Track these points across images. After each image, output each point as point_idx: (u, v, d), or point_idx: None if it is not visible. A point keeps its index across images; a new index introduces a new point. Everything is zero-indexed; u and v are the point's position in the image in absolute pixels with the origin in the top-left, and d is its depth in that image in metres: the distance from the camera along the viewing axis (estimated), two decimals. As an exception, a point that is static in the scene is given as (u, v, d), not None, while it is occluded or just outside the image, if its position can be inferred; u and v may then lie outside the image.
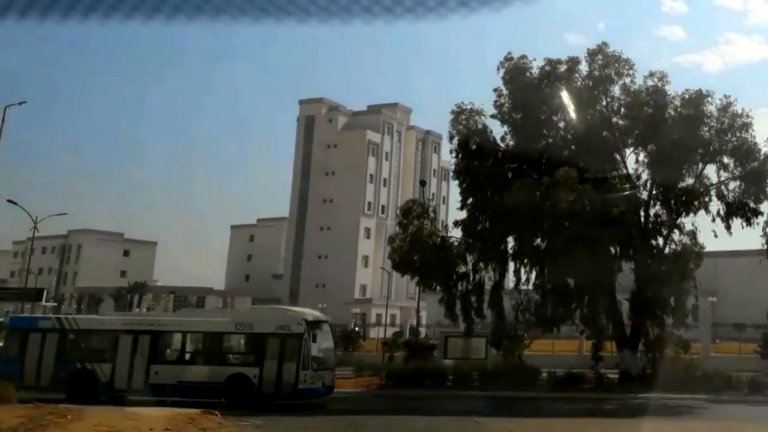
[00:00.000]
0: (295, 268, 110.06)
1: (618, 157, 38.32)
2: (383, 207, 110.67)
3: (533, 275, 37.86)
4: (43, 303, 61.41)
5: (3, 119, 29.63)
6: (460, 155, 38.89)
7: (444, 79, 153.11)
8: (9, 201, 45.67)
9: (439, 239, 39.15)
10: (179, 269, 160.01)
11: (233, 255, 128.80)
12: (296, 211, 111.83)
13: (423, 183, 43.37)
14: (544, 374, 36.30)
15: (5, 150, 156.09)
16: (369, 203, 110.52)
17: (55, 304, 76.56)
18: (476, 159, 38.05)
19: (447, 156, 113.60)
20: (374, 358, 49.20)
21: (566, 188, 33.61)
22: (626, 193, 36.76)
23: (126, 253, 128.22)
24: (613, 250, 37.53)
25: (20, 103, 32.18)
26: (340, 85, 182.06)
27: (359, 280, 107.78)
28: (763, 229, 37.48)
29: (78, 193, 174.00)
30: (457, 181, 39.66)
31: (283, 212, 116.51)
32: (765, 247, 37.57)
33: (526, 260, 37.80)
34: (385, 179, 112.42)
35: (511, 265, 38.43)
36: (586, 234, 34.36)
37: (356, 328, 76.32)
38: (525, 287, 38.26)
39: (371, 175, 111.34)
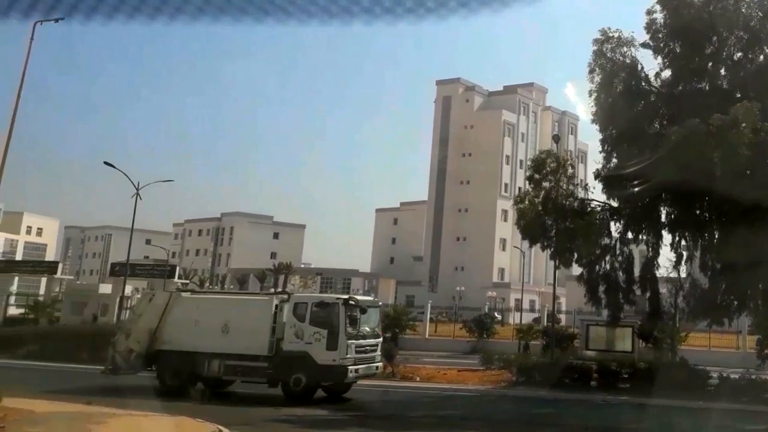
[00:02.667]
0: (434, 251, 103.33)
1: None
2: (519, 189, 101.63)
3: (698, 251, 28.83)
4: (176, 280, 57.20)
5: (32, 36, 23.73)
6: (602, 96, 30.11)
7: (580, 59, 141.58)
8: (105, 163, 40.69)
9: (577, 202, 30.64)
10: (328, 252, 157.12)
11: (378, 238, 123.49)
12: (434, 193, 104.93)
13: (557, 138, 34.62)
14: (713, 377, 27.28)
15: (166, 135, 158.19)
16: (505, 185, 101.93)
17: (187, 281, 72.84)
18: (623, 101, 29.18)
19: (583, 138, 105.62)
20: (510, 347, 42.13)
21: (746, 131, 24.36)
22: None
23: (275, 236, 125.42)
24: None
25: (56, 20, 25.85)
26: (478, 66, 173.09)
27: (497, 263, 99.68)
28: None
29: (231, 176, 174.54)
30: (597, 127, 30.77)
31: (425, 195, 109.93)
32: None
33: (687, 232, 28.77)
34: (521, 161, 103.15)
35: (667, 238, 29.55)
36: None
37: (496, 314, 69.11)
38: (687, 266, 29.29)
39: (507, 156, 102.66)
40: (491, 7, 5.33)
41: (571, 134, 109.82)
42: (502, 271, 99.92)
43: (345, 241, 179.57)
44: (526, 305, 77.70)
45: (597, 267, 30.13)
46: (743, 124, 24.71)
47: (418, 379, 29.22)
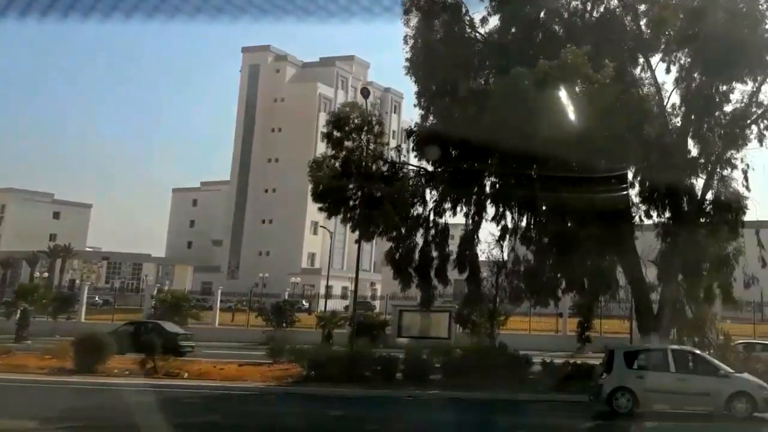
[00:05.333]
0: (236, 234, 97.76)
1: (644, 62, 26.64)
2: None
3: (524, 224, 26.14)
4: None
5: None
6: (419, 42, 26.49)
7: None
8: None
9: (386, 166, 26.96)
10: (120, 235, 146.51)
11: (175, 220, 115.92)
12: (238, 171, 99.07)
13: (366, 92, 30.45)
14: (536, 364, 24.70)
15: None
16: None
17: None
18: (444, 48, 25.77)
19: (408, 116, 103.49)
20: (313, 336, 38.82)
21: (574, 78, 21.60)
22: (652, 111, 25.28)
23: (56, 216, 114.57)
24: (636, 193, 26.04)
25: None
26: (292, 35, 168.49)
27: (307, 247, 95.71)
28: None
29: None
30: (413, 79, 27.23)
31: (228, 174, 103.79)
32: None
33: (514, 203, 25.95)
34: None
35: (491, 210, 26.63)
36: (601, 164, 23.02)
37: (304, 302, 65.22)
38: (511, 241, 26.51)
39: (322, 133, 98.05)
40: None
41: (395, 113, 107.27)
42: (312, 256, 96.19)
43: (139, 224, 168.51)
44: (338, 292, 74.49)
45: (408, 241, 26.84)
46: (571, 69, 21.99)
47: (186, 375, 24.39)
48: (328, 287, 63.02)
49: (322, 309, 57.61)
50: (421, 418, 18.17)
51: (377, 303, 64.09)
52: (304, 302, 69.24)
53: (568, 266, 24.88)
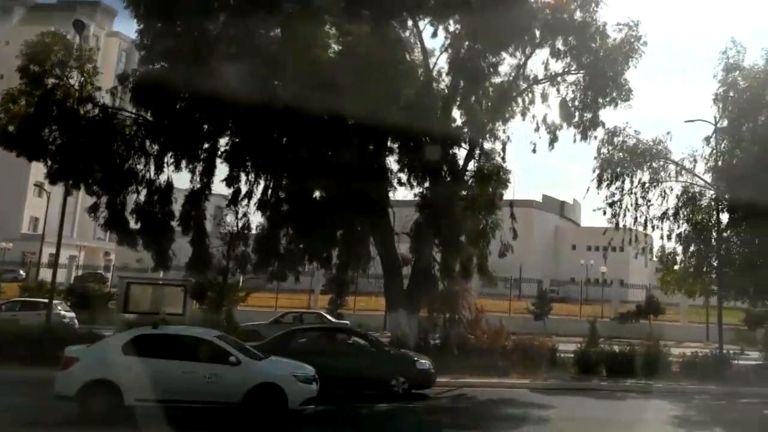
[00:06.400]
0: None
1: (412, 25, 25.01)
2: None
3: (260, 186, 23.68)
4: None
5: None
6: None
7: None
8: None
9: (98, 110, 23.58)
10: None
11: None
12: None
13: (80, 25, 25.92)
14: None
15: None
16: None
17: None
18: None
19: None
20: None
21: (323, 26, 20.21)
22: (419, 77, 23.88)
23: None
24: (394, 160, 24.37)
25: None
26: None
27: (30, 211, 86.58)
28: (598, 150, 26.44)
29: None
30: (132, 14, 23.55)
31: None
32: (597, 172, 26.50)
33: (251, 161, 23.20)
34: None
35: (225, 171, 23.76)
36: (354, 126, 20.99)
37: (21, 270, 62.59)
38: (245, 206, 23.94)
39: (18, 66, 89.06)
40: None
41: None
42: (35, 220, 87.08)
43: None
44: (64, 260, 67.61)
45: (123, 196, 23.70)
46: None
47: None
48: (40, 254, 56.60)
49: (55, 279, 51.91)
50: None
51: (110, 275, 59.38)
52: (21, 272, 62.71)
53: (313, 237, 22.64)
